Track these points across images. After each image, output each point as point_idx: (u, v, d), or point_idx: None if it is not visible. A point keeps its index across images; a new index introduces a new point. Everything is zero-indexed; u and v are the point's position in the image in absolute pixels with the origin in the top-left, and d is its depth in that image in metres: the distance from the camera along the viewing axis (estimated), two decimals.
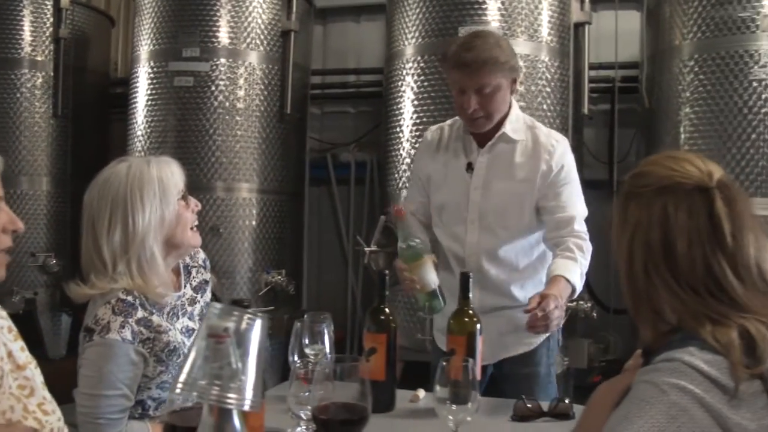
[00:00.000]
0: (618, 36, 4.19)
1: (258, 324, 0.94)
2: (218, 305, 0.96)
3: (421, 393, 2.07)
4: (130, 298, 1.80)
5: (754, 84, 3.32)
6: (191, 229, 1.95)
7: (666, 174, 1.28)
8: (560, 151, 2.36)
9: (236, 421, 0.92)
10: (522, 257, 2.40)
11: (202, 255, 2.14)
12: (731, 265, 1.22)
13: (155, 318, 1.82)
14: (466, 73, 2.25)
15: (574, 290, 2.21)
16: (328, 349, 1.76)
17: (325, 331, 1.78)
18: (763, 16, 3.33)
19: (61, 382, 1.70)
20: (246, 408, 0.91)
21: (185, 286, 2.02)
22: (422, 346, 3.60)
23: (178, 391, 0.91)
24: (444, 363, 1.50)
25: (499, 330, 2.36)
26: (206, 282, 2.11)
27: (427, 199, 2.52)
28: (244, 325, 0.93)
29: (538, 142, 2.37)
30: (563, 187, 2.33)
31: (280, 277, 4.18)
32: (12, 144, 4.45)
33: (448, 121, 2.54)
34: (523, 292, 2.37)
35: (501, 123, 2.36)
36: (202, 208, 2.11)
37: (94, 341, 1.74)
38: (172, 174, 1.91)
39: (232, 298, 4.03)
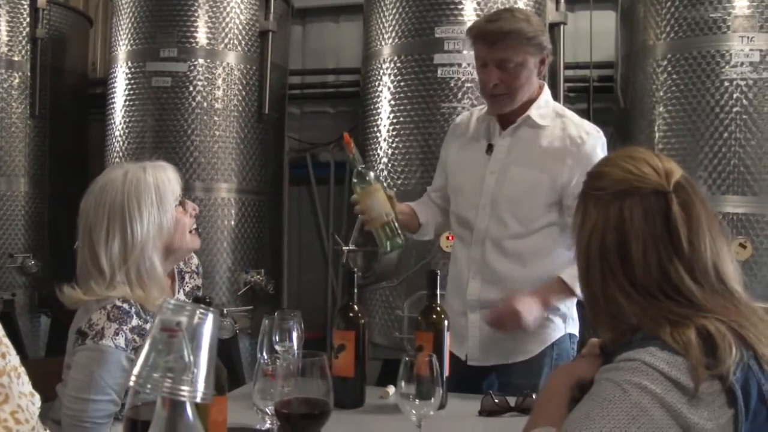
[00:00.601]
0: (595, 36, 4.23)
1: (210, 318, 0.95)
2: (172, 300, 0.97)
3: (391, 389, 2.08)
4: (126, 306, 1.79)
5: (726, 83, 3.36)
6: (190, 232, 1.95)
7: (623, 177, 1.28)
8: (590, 144, 2.21)
9: (189, 414, 0.93)
10: (530, 254, 2.27)
11: (195, 261, 2.15)
12: (688, 270, 1.22)
13: (149, 326, 1.82)
14: (487, 45, 2.16)
15: (573, 293, 2.13)
16: (295, 346, 1.78)
17: (294, 329, 1.80)
18: (734, 16, 3.37)
19: (42, 382, 1.70)
20: (198, 400, 0.92)
21: (178, 292, 2.03)
22: (400, 345, 3.63)
23: (132, 384, 0.93)
24: (406, 359, 1.52)
25: (497, 333, 2.25)
26: (198, 288, 2.12)
27: (446, 182, 2.46)
28: (196, 320, 0.94)
29: (567, 132, 2.23)
30: None
31: (259, 276, 4.19)
32: None
33: (479, 107, 2.46)
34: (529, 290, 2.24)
35: (527, 106, 2.26)
36: None
37: (86, 345, 1.74)
38: (168, 180, 1.90)
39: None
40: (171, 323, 0.94)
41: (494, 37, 2.15)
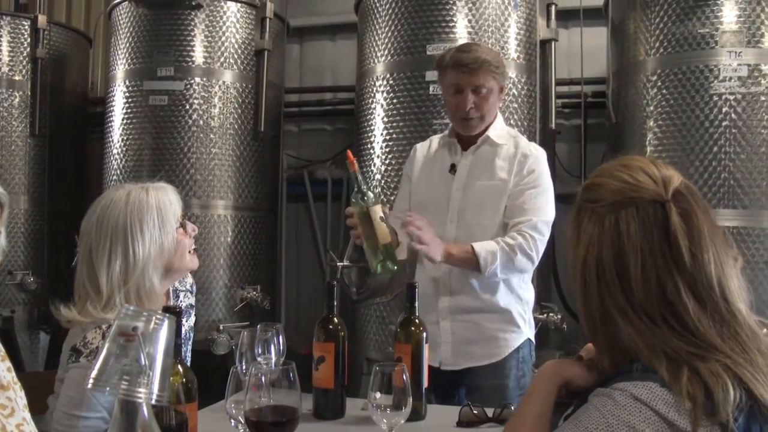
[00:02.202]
0: (587, 52, 4.26)
1: (166, 324, 0.98)
2: (131, 307, 1.00)
3: None
4: None
5: (715, 98, 3.39)
6: (189, 252, 1.96)
7: (618, 188, 1.21)
8: (537, 156, 2.46)
9: (146, 414, 0.96)
10: None
11: (190, 279, 2.17)
12: (690, 286, 1.14)
13: None
14: (465, 72, 2.40)
15: (478, 260, 2.28)
16: (273, 358, 1.80)
17: (273, 341, 1.82)
18: (722, 32, 3.41)
19: (37, 395, 1.73)
20: (153, 402, 0.95)
21: None
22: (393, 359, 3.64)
23: (89, 386, 0.95)
24: (376, 368, 1.54)
25: (467, 337, 2.43)
26: (192, 306, 2.14)
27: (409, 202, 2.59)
28: (152, 325, 0.98)
29: (519, 147, 2.48)
30: (528, 191, 2.40)
31: (255, 292, 4.22)
32: None
33: (438, 135, 2.68)
34: (496, 296, 2.42)
35: (485, 129, 2.49)
36: None
37: (80, 363, 1.74)
38: (170, 202, 1.92)
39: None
40: (127, 328, 0.97)
41: (473, 64, 2.39)
